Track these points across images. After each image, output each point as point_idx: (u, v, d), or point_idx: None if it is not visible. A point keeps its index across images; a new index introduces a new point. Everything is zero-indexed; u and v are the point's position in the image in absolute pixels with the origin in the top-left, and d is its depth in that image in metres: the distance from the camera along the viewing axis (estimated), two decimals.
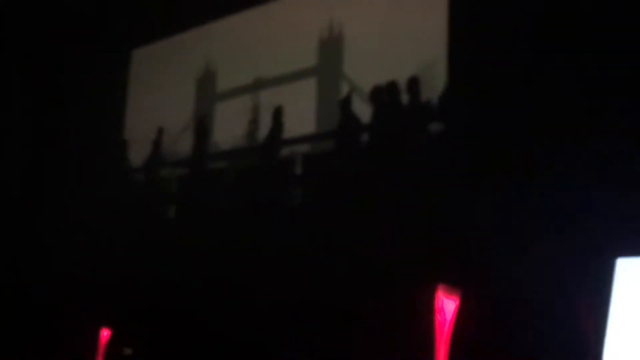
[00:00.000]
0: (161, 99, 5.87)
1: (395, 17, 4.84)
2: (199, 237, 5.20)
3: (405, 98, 4.37)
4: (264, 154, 5.17)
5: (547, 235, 3.33)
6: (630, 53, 3.28)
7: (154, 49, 6.01)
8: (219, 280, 4.91)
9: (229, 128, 5.57)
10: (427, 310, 3.36)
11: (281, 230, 4.68)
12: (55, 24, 6.44)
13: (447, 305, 3.37)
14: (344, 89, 5.05)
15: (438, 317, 3.36)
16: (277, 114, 5.10)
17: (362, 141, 4.73)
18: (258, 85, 5.50)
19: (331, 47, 5.17)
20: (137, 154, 5.90)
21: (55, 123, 6.62)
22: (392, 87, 4.47)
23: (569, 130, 3.37)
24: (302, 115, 5.17)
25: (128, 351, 5.08)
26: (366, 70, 4.91)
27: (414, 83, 4.38)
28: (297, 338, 4.18)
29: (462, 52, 3.98)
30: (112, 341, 4.98)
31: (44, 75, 6.67)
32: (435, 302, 3.35)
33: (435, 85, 4.30)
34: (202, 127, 5.57)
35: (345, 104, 4.74)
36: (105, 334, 4.93)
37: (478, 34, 3.77)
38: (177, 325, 4.92)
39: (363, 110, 4.61)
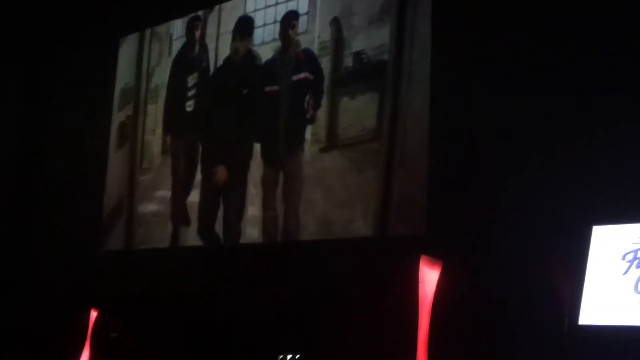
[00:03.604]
0: None
1: None
2: None
3: None
4: None
5: (525, 205, 3.44)
6: None
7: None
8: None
9: None
10: (411, 282, 3.46)
11: None
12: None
13: (429, 276, 3.48)
14: None
15: (420, 288, 3.46)
16: None
17: None
18: None
19: None
20: None
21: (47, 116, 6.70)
22: None
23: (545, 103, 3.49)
24: None
25: (113, 334, 5.14)
26: None
27: None
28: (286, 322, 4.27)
29: None
30: (98, 323, 5.06)
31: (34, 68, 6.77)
32: (418, 273, 3.45)
33: None
34: None
35: None
36: (93, 315, 5.01)
37: None
38: (163, 309, 4.98)
39: None
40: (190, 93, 5.51)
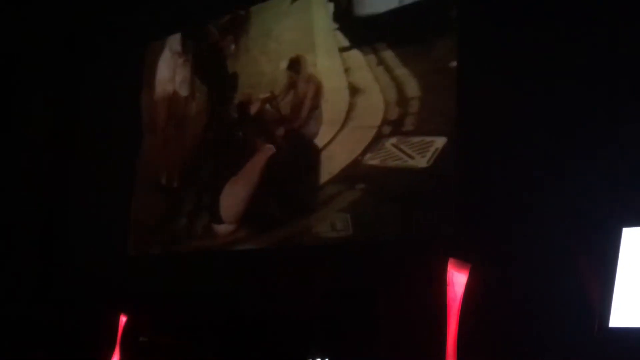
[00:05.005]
0: None
1: None
2: None
3: None
4: None
5: (555, 207, 3.42)
6: None
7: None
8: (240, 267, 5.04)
9: None
10: (439, 284, 3.45)
11: None
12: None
13: (457, 278, 3.47)
14: None
15: (449, 291, 3.45)
16: None
17: None
18: None
19: None
20: None
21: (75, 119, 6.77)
22: None
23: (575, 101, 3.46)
24: None
25: (143, 338, 5.18)
26: None
27: None
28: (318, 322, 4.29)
29: None
30: (128, 328, 5.09)
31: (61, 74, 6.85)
32: (447, 276, 3.45)
33: None
34: None
35: None
36: (123, 320, 5.04)
37: None
38: (192, 312, 5.01)
39: None
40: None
